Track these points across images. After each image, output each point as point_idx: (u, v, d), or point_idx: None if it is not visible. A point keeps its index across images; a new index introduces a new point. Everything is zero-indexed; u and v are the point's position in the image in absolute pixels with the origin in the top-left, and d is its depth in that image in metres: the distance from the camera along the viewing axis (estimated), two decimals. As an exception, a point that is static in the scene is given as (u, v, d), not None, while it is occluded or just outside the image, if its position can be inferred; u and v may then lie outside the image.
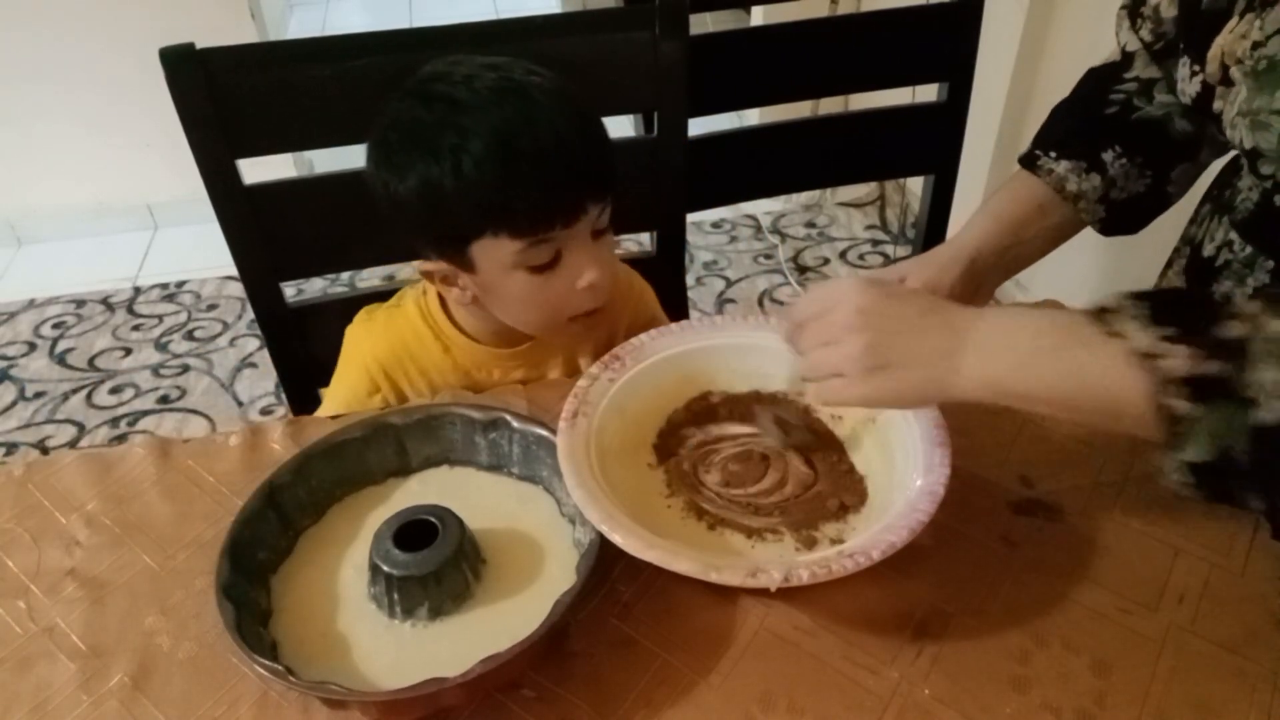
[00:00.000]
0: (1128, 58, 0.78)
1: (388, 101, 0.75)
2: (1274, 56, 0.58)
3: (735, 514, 0.67)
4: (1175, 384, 0.46)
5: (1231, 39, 0.61)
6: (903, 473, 0.66)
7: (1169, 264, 0.85)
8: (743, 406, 0.76)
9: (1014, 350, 0.55)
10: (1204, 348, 0.46)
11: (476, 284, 0.79)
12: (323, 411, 0.91)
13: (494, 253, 0.74)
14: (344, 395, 0.89)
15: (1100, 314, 0.51)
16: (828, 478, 0.70)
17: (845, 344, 0.57)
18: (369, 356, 0.88)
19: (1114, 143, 0.77)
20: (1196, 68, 0.66)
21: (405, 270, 1.97)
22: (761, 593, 0.61)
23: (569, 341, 0.89)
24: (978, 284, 0.78)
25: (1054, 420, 0.77)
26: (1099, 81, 0.81)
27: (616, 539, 0.58)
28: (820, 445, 0.73)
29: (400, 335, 0.88)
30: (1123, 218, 0.79)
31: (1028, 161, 0.80)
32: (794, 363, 0.63)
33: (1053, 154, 0.78)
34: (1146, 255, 0.91)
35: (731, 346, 0.78)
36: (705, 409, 0.77)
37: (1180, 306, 0.50)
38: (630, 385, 0.73)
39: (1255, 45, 0.59)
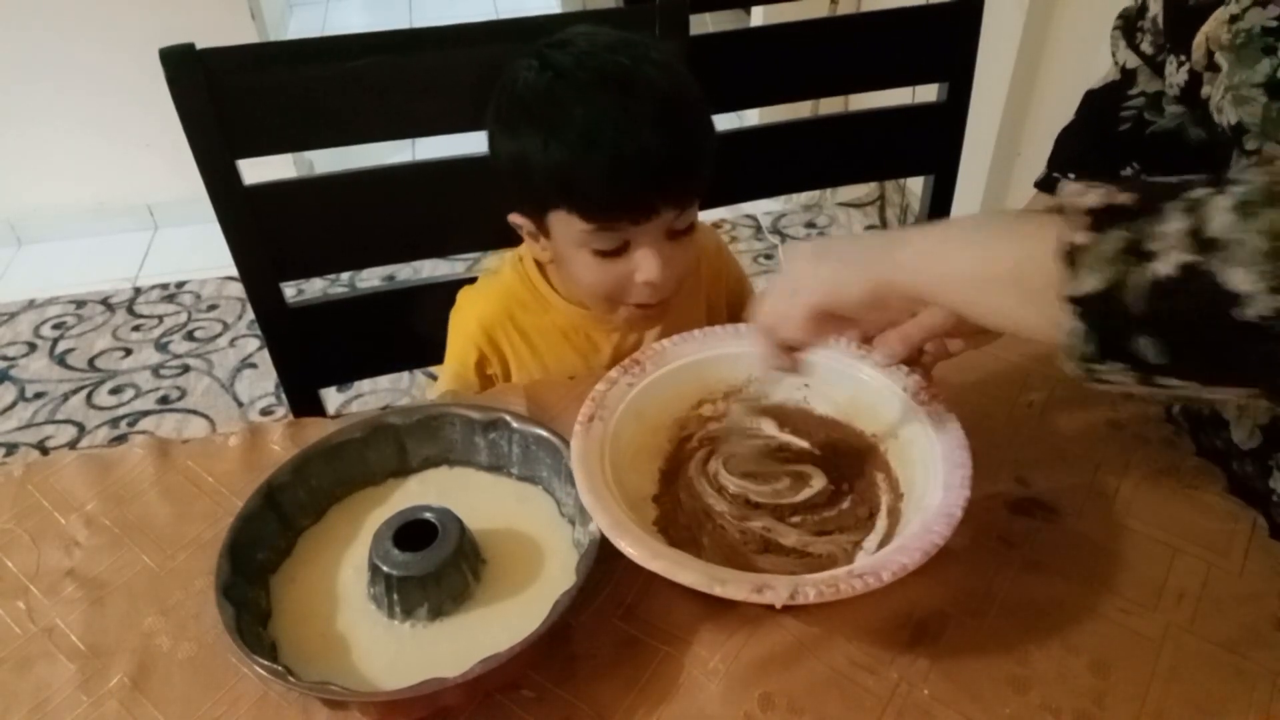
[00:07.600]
0: (1129, 75, 0.78)
1: (517, 57, 0.78)
2: (1250, 29, 0.58)
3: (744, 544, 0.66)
4: (1081, 214, 0.43)
5: (1215, 25, 0.62)
6: (921, 490, 0.64)
7: None
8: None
9: (945, 232, 0.54)
10: (1126, 189, 0.43)
11: (551, 248, 0.83)
12: (435, 390, 0.94)
13: (565, 227, 0.78)
14: (453, 368, 0.91)
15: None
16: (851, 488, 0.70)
17: (793, 266, 0.59)
18: (473, 323, 0.90)
19: (1132, 159, 0.76)
20: (1183, 58, 0.66)
21: (405, 271, 1.98)
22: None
23: (624, 325, 0.90)
24: None
25: (1049, 417, 0.77)
26: (1104, 101, 0.80)
27: (623, 546, 0.58)
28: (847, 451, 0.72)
29: (501, 297, 0.91)
30: None
31: (1046, 185, 0.79)
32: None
33: (1071, 176, 0.77)
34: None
35: (754, 354, 0.74)
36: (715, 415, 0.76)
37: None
38: (648, 390, 0.72)
39: (1233, 19, 0.60)
